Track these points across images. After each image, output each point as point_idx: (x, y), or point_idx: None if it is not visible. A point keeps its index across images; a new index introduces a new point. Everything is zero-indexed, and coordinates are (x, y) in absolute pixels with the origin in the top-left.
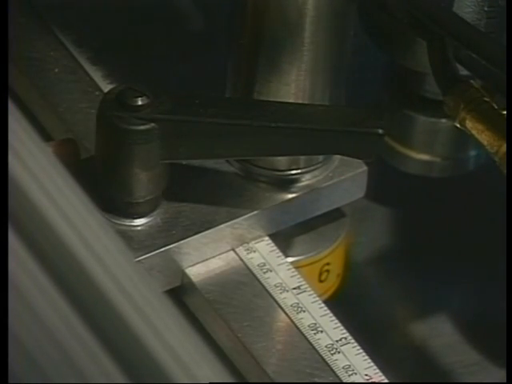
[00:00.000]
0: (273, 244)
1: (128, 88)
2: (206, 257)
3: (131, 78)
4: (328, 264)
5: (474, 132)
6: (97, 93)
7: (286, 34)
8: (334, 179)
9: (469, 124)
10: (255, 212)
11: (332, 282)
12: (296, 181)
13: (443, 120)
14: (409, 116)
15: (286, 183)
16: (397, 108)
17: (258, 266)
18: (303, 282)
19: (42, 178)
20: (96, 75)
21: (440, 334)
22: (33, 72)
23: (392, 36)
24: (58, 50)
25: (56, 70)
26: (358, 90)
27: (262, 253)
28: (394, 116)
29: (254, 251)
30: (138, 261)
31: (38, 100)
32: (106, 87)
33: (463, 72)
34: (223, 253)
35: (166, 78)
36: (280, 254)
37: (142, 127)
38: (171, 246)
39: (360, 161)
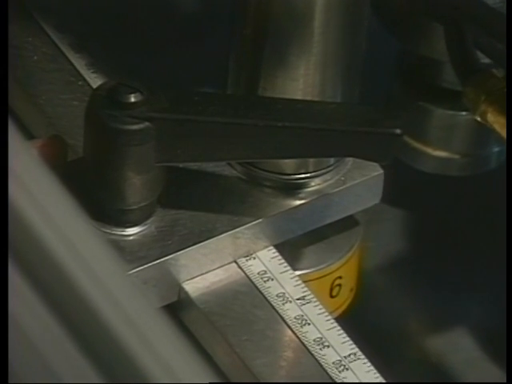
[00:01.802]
0: (274, 250)
1: (120, 83)
2: (206, 269)
3: (118, 67)
4: (340, 277)
5: (495, 126)
6: (80, 83)
7: (294, 23)
8: (347, 184)
9: (490, 117)
10: (259, 220)
11: (344, 298)
12: (304, 185)
13: (462, 113)
14: (424, 108)
15: (294, 188)
16: (411, 100)
17: (259, 274)
18: (308, 292)
19: (27, 182)
20: (79, 63)
21: (458, 349)
22: (9, 60)
23: (406, 21)
24: (38, 36)
25: (35, 58)
26: (369, 80)
27: (263, 259)
28: (408, 109)
29: (254, 258)
30: (131, 274)
31: (15, 91)
32: (91, 77)
33: (484, 60)
34: (224, 265)
35: (158, 70)
36: (282, 260)
37: (136, 127)
38: (167, 257)
39: (375, 163)
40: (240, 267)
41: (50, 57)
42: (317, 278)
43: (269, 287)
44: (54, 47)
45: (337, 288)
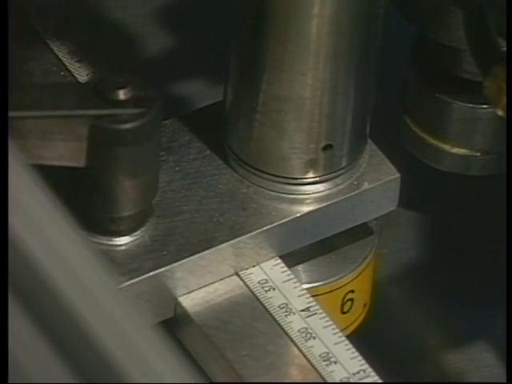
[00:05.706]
0: (276, 257)
1: (110, 77)
2: (204, 283)
3: (105, 56)
4: (352, 292)
5: None
6: (62, 73)
7: (302, 10)
8: (360, 189)
9: None
10: (263, 229)
11: (357, 314)
12: (313, 191)
13: (483, 106)
14: (442, 101)
15: (301, 193)
16: (428, 92)
17: (259, 283)
18: (314, 303)
19: (13, 187)
20: (61, 51)
21: (480, 367)
22: None
23: (423, 5)
24: (15, 20)
25: (13, 46)
26: (382, 70)
27: (264, 267)
28: (424, 101)
29: (254, 265)
30: (122, 288)
31: None
32: (74, 66)
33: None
34: (225, 278)
35: (151, 62)
36: (285, 268)
37: (128, 126)
38: (162, 269)
39: (391, 166)
40: (238, 275)
41: (29, 44)
42: (326, 293)
43: (270, 297)
44: (34, 33)
45: (348, 303)
